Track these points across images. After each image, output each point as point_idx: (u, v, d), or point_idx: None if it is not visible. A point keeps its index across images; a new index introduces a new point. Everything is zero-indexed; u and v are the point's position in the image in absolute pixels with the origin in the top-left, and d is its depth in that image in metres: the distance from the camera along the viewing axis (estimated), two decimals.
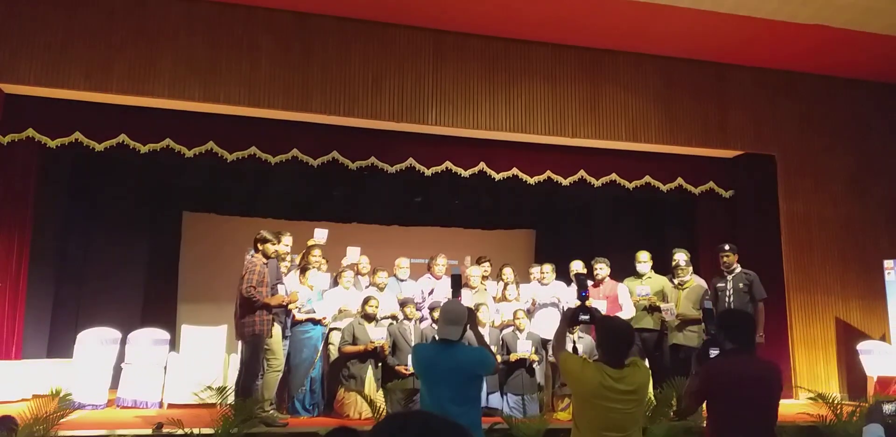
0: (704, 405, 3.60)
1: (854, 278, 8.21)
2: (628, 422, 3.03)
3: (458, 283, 3.86)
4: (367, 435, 1.36)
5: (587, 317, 3.41)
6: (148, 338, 6.82)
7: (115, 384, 6.59)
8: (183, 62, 6.77)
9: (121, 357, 6.71)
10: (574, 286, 6.98)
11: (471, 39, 7.59)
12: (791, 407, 6.07)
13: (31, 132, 6.69)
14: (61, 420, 4.74)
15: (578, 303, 3.53)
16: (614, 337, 3.14)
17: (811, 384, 7.33)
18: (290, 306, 5.93)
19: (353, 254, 6.98)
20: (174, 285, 8.68)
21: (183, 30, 6.82)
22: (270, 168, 7.41)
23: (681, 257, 6.83)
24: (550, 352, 6.05)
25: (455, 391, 3.31)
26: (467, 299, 6.58)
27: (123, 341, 6.75)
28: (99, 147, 6.86)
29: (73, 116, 6.84)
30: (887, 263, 7.74)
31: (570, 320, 3.46)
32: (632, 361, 3.16)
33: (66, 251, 8.01)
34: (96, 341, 6.59)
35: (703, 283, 6.81)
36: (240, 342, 5.71)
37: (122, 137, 6.91)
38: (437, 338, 3.49)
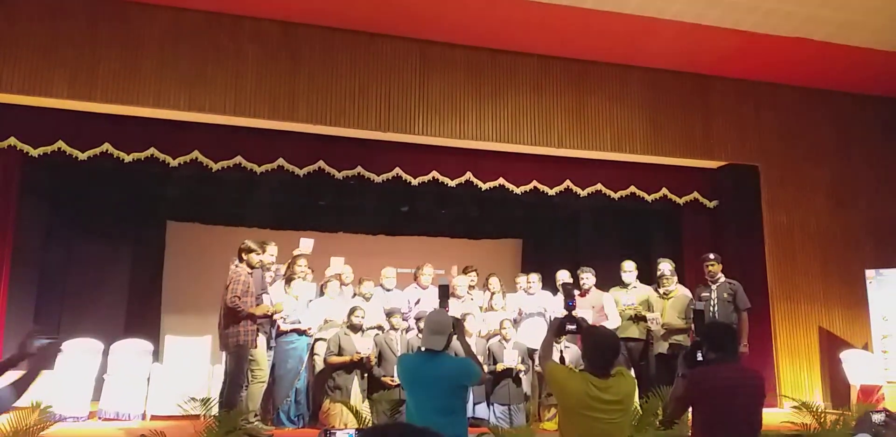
0: (690, 415, 3.62)
1: (836, 288, 8.29)
2: (614, 432, 3.04)
3: (445, 293, 3.86)
4: None
5: (574, 327, 3.42)
6: (131, 349, 6.75)
7: (97, 396, 6.51)
8: (168, 71, 6.74)
9: (103, 368, 6.63)
10: (561, 296, 7.01)
11: (457, 50, 7.62)
12: (775, 416, 6.10)
13: (12, 141, 6.62)
14: (42, 433, 4.68)
15: (565, 313, 3.54)
16: (600, 347, 3.15)
17: (795, 392, 7.37)
18: (274, 317, 5.89)
19: (336, 264, 6.96)
20: (158, 296, 8.59)
21: (168, 39, 6.80)
22: (256, 177, 7.39)
23: (665, 266, 6.87)
24: (537, 362, 6.05)
25: (440, 402, 3.30)
26: (454, 308, 6.57)
27: (106, 352, 6.68)
28: (82, 156, 6.81)
29: (56, 125, 6.77)
30: (869, 272, 7.82)
31: (557, 330, 3.47)
32: (617, 371, 3.17)
33: (47, 261, 7.92)
34: (78, 352, 6.50)
35: (687, 293, 6.85)
36: (224, 353, 5.67)
37: (106, 146, 6.85)
38: (422, 348, 3.49)
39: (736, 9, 6.86)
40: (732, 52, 7.77)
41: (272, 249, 6.14)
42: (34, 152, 6.69)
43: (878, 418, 2.98)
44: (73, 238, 8.10)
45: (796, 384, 7.84)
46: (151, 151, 6.96)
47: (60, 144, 6.74)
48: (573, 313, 3.53)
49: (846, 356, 7.68)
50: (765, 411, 3.49)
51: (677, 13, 6.93)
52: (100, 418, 6.37)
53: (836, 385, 7.84)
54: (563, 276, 6.92)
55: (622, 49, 7.74)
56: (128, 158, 6.90)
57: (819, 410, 5.75)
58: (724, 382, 3.37)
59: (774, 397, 7.39)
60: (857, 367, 7.55)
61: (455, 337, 3.59)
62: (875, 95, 8.90)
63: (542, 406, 6.37)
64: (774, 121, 8.60)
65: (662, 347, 6.58)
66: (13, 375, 2.85)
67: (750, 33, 7.30)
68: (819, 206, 8.52)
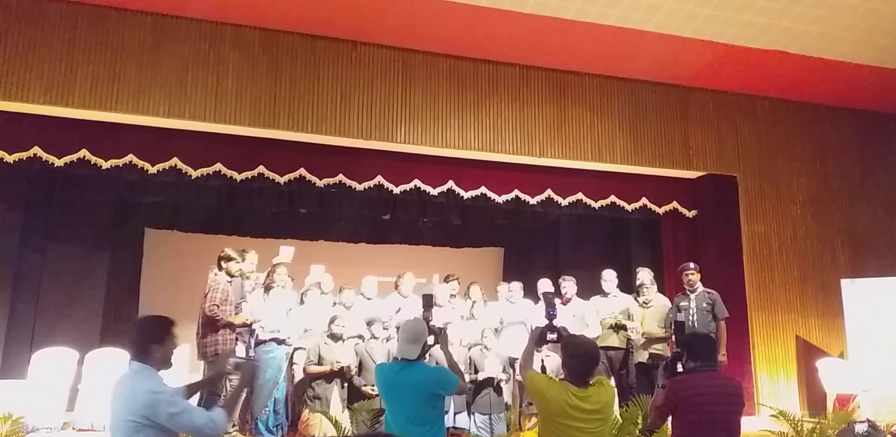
0: (669, 423, 3.63)
1: (813, 297, 8.39)
2: None
3: (429, 302, 3.86)
4: None
5: (555, 336, 3.42)
6: (106, 358, 6.64)
7: (71, 406, 6.40)
8: (147, 77, 6.68)
9: (78, 378, 6.52)
10: (542, 305, 7.03)
11: (439, 59, 7.65)
12: (753, 424, 6.14)
13: None
14: None
15: (546, 322, 3.55)
16: (579, 356, 3.16)
17: (772, 400, 7.42)
18: (253, 326, 5.84)
19: (316, 272, 6.93)
20: (135, 304, 8.48)
21: (148, 45, 6.74)
22: (236, 185, 7.33)
23: (645, 275, 6.93)
24: (518, 371, 6.04)
25: (415, 411, 3.29)
26: (435, 317, 6.55)
27: (81, 362, 6.57)
28: (59, 162, 6.71)
29: (31, 131, 6.66)
30: (845, 282, 7.92)
31: (537, 339, 3.48)
32: (597, 380, 3.17)
33: (21, 268, 7.79)
34: (52, 362, 6.39)
35: (667, 302, 6.90)
36: (202, 362, 5.60)
37: (84, 153, 6.75)
38: (398, 357, 3.48)
39: (714, 21, 6.96)
40: (711, 63, 7.87)
41: (252, 257, 6.10)
42: (9, 158, 6.58)
43: (861, 428, 3.02)
44: (49, 245, 7.97)
45: (774, 393, 7.90)
46: (130, 157, 6.88)
47: (36, 149, 6.63)
48: (553, 322, 3.54)
49: (822, 365, 7.75)
50: (743, 419, 3.52)
51: (657, 25, 7.01)
52: (73, 428, 6.26)
53: (813, 394, 7.90)
54: (545, 285, 6.94)
55: (603, 60, 7.82)
56: (105, 165, 6.82)
57: (796, 418, 5.79)
58: (704, 390, 3.40)
59: (752, 405, 7.44)
60: (833, 375, 7.62)
61: (438, 347, 3.58)
62: (850, 108, 9.07)
63: (523, 416, 6.36)
64: (752, 132, 8.72)
65: (642, 356, 6.62)
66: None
67: (728, 45, 7.40)
68: (796, 216, 8.63)
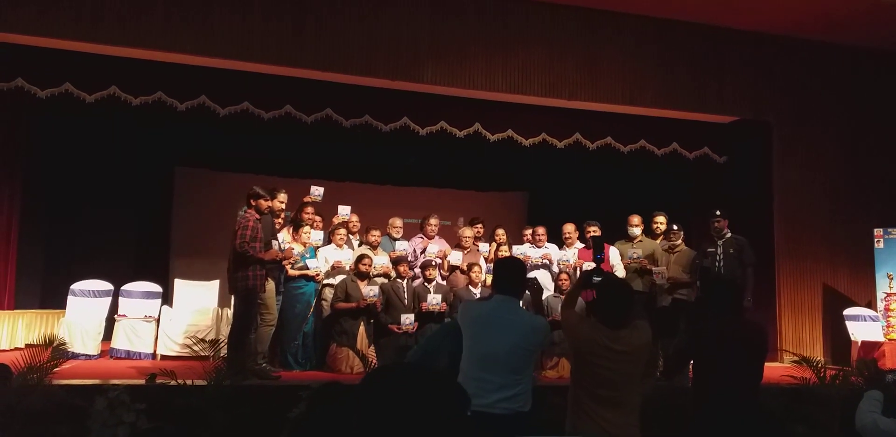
0: (691, 367, 3.68)
1: (843, 246, 8.28)
2: (621, 381, 3.07)
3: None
4: (355, 388, 1.38)
5: (600, 279, 3.41)
6: (140, 291, 6.86)
7: (107, 336, 6.66)
8: (175, 13, 6.59)
9: (114, 309, 6.75)
10: (566, 249, 7.04)
11: None
12: (775, 370, 6.19)
13: (20, 82, 6.54)
14: (55, 369, 4.78)
15: (593, 265, 3.55)
16: (610, 297, 3.18)
17: (796, 347, 7.46)
18: (283, 262, 5.94)
19: (344, 212, 6.99)
20: (167, 239, 8.68)
21: None
22: (263, 124, 7.32)
23: (670, 221, 6.88)
24: (557, 311, 6.09)
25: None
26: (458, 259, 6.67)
27: (116, 294, 6.79)
28: (89, 98, 6.73)
29: (63, 67, 6.68)
30: (876, 231, 7.80)
31: (584, 281, 3.46)
32: (634, 323, 3.19)
33: (57, 204, 7.97)
34: (89, 293, 6.62)
35: (692, 248, 6.86)
36: (233, 297, 5.75)
37: (114, 89, 6.77)
38: None
39: None
40: (748, 2, 7.53)
41: (283, 196, 6.14)
42: (41, 94, 6.62)
43: (892, 377, 3.04)
44: (83, 181, 8.13)
45: (798, 340, 7.92)
46: (159, 94, 6.88)
47: (68, 85, 6.66)
48: (601, 265, 3.51)
49: (849, 313, 7.73)
50: (766, 364, 3.54)
51: None
52: (111, 356, 6.53)
53: (838, 342, 7.91)
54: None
55: None
56: (135, 102, 6.84)
57: (819, 365, 5.80)
58: (726, 335, 3.42)
59: (776, 351, 7.48)
60: (859, 324, 7.60)
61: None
62: (892, 51, 8.65)
63: (545, 355, 6.46)
64: (789, 76, 8.43)
65: (666, 300, 6.64)
66: None
67: None
68: (829, 164, 8.43)
